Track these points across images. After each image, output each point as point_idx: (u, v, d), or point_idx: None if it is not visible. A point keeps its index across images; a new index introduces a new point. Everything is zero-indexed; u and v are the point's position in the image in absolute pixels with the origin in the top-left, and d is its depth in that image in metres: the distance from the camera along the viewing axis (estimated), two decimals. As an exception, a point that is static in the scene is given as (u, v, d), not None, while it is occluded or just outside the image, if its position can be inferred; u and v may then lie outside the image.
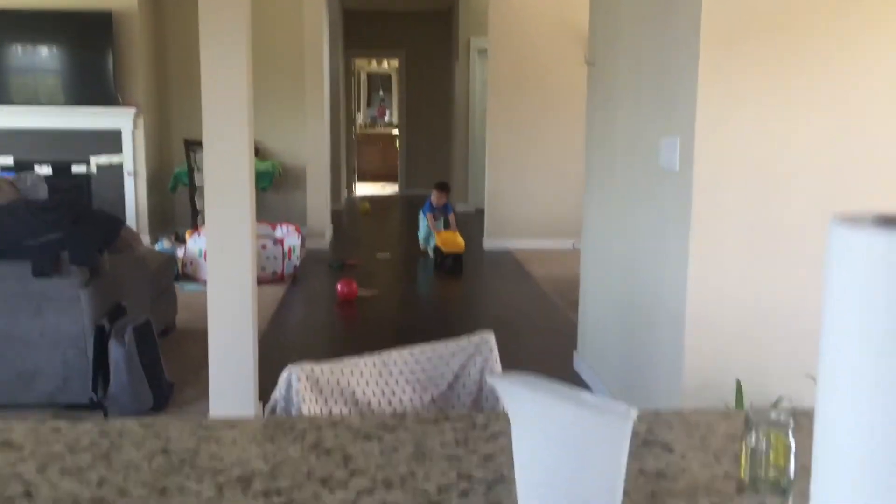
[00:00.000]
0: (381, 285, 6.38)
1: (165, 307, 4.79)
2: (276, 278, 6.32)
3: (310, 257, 7.42)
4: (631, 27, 3.51)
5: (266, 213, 8.01)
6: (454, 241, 7.03)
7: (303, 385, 1.34)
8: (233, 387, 3.47)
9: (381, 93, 16.55)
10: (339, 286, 5.84)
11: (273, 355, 4.42)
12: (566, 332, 4.91)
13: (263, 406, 3.57)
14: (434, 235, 7.24)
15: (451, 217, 7.53)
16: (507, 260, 7.53)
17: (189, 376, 4.10)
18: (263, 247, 6.21)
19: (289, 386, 1.34)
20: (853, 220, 0.47)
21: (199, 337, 4.55)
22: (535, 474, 0.88)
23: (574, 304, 5.11)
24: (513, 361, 4.34)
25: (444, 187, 7.51)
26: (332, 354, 5.12)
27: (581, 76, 4.52)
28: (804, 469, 1.00)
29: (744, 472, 0.97)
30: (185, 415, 3.66)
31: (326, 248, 7.97)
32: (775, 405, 2.77)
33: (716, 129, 2.74)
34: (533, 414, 0.86)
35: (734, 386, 2.83)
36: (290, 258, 6.44)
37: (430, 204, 7.43)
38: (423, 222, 7.50)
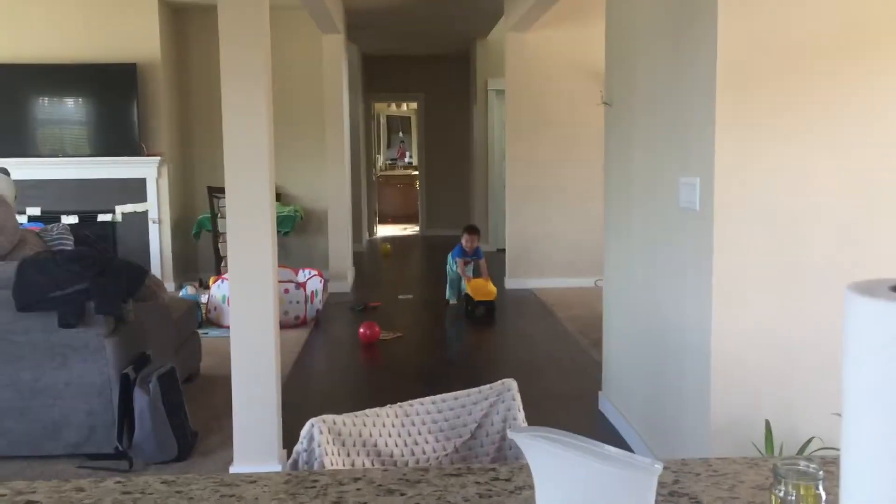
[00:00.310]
0: (404, 327, 6.38)
1: (190, 354, 4.81)
2: (298, 322, 6.33)
3: (332, 300, 7.44)
4: (647, 67, 3.53)
5: (288, 257, 8.07)
6: (486, 289, 6.77)
7: (325, 437, 1.33)
8: (256, 434, 3.46)
9: (400, 134, 16.72)
10: (361, 329, 5.84)
11: (297, 401, 4.41)
12: (591, 372, 4.87)
13: (287, 454, 3.56)
14: (464, 282, 6.94)
15: (483, 263, 7.07)
16: (530, 299, 7.51)
17: (213, 424, 4.10)
18: (286, 291, 6.24)
19: (311, 439, 1.33)
20: (869, 289, 0.47)
21: (223, 383, 4.56)
22: (559, 531, 0.86)
23: (598, 343, 5.07)
24: (537, 403, 4.30)
25: (474, 230, 7.12)
26: (356, 398, 5.12)
27: (598, 115, 4.55)
28: (836, 520, 0.98)
29: (773, 525, 0.95)
30: (209, 463, 3.65)
31: (349, 291, 7.99)
32: (805, 448, 2.72)
33: (735, 170, 2.73)
34: (555, 469, 0.85)
35: (763, 426, 2.79)
36: (312, 302, 6.46)
37: (461, 248, 7.06)
38: (452, 267, 7.12)
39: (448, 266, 7.12)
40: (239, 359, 3.45)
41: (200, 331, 5.50)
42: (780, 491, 0.94)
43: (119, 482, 1.12)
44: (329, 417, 1.36)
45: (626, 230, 3.89)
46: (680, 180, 3.07)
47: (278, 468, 3.43)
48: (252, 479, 1.12)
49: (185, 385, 4.35)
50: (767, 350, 2.80)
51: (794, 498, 0.94)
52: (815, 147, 2.72)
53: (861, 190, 2.74)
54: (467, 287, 6.81)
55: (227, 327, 5.81)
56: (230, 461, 3.48)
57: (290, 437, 3.64)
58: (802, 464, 0.97)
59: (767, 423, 2.78)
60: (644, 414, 3.63)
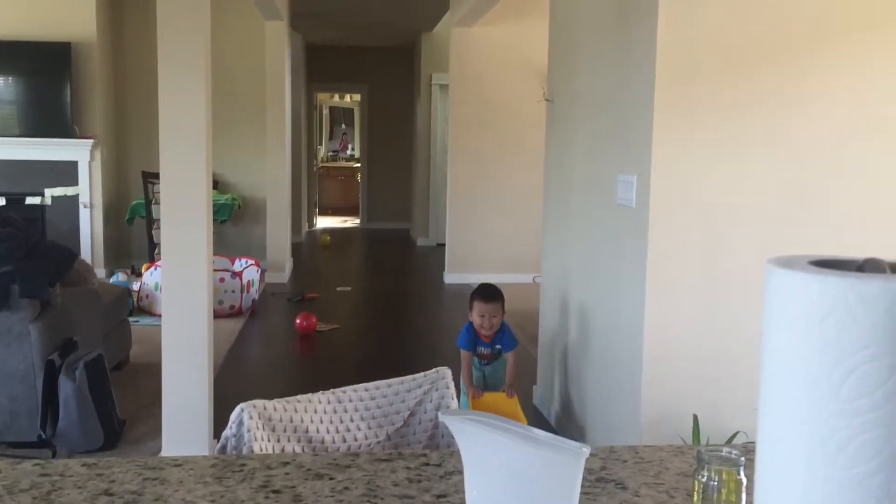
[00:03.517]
0: (341, 319, 6.33)
1: (119, 341, 4.70)
2: (234, 312, 6.23)
3: (269, 290, 7.34)
4: (589, 65, 3.57)
5: (225, 246, 7.92)
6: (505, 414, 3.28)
7: (254, 423, 1.31)
8: (186, 424, 3.40)
9: (343, 126, 16.58)
10: (297, 320, 5.78)
11: (229, 391, 4.34)
12: (526, 366, 4.91)
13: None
14: (466, 397, 3.61)
15: (511, 360, 3.70)
16: (468, 294, 7.52)
17: (142, 412, 4.01)
18: (221, 280, 6.14)
19: (240, 423, 1.31)
20: (789, 263, 0.48)
21: (153, 372, 4.46)
22: (487, 513, 0.87)
23: (533, 338, 5.11)
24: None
25: (492, 296, 3.75)
26: (290, 389, 5.05)
27: (541, 113, 4.58)
28: (756, 505, 1.00)
29: (696, 510, 0.97)
30: (136, 452, 3.57)
31: (286, 282, 7.90)
32: (730, 441, 2.79)
33: (672, 168, 2.78)
34: (485, 452, 0.86)
35: (691, 420, 2.85)
36: (248, 292, 6.37)
37: (470, 330, 3.73)
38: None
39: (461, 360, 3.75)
40: (170, 348, 3.38)
41: (131, 319, 5.37)
42: (702, 476, 0.96)
43: (38, 464, 1.08)
44: (259, 402, 1.34)
45: (565, 226, 3.93)
46: (618, 177, 3.11)
47: (208, 458, 3.38)
48: (177, 463, 1.10)
49: (114, 373, 4.25)
50: (698, 345, 2.87)
51: (716, 483, 0.96)
52: (750, 146, 2.79)
53: (794, 189, 2.82)
54: (471, 406, 3.56)
55: (160, 315, 5.68)
56: (158, 451, 3.41)
57: (220, 428, 3.58)
58: (725, 450, 0.99)
59: (695, 417, 2.84)
60: (577, 408, 3.67)
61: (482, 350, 3.73)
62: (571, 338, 3.77)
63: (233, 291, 6.23)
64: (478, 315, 3.70)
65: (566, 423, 3.78)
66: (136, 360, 4.90)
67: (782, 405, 0.46)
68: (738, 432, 2.84)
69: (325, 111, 15.85)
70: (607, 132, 3.28)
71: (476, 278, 7.98)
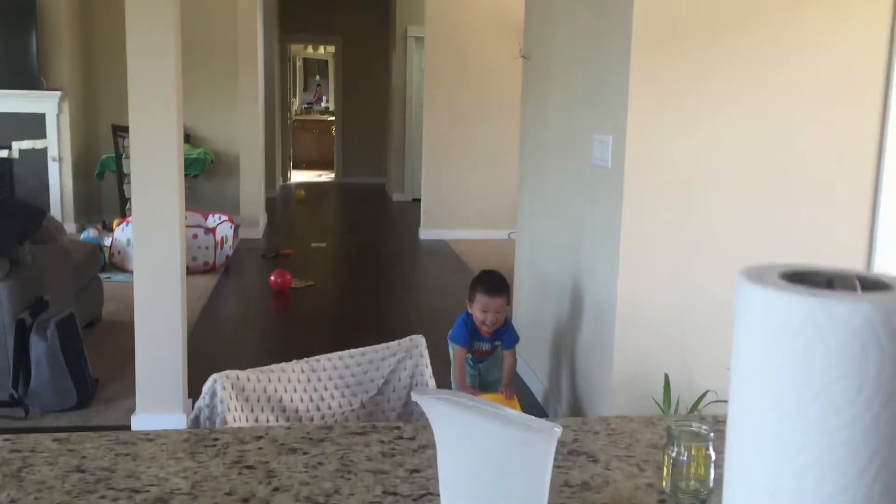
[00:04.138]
0: (316, 276, 6.32)
1: (91, 299, 4.65)
2: (207, 269, 6.19)
3: (243, 247, 7.30)
4: (565, 23, 3.53)
5: (197, 201, 7.84)
6: None
7: (228, 393, 1.31)
8: (160, 382, 3.39)
9: (317, 78, 16.35)
10: (272, 277, 5.76)
11: (203, 349, 4.34)
12: (500, 324, 4.94)
13: (193, 403, 3.50)
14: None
15: (510, 359, 3.34)
16: (443, 250, 7.54)
17: (115, 371, 3.99)
18: (194, 236, 6.08)
19: (213, 394, 1.31)
20: (760, 275, 0.47)
21: (126, 329, 4.42)
22: (458, 491, 0.87)
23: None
24: (447, 355, 4.35)
25: (497, 287, 3.26)
26: (265, 347, 5.05)
27: (518, 69, 4.54)
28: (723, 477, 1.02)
29: (665, 483, 0.98)
30: (110, 412, 3.56)
31: (260, 238, 7.85)
32: (700, 401, 2.84)
33: (647, 128, 2.78)
34: (457, 431, 0.86)
35: (662, 380, 2.89)
36: (222, 248, 6.32)
37: (467, 322, 3.28)
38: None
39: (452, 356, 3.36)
40: (143, 305, 3.35)
41: (103, 275, 5.32)
42: (672, 451, 0.98)
43: (7, 440, 1.08)
44: (233, 373, 1.33)
45: (540, 184, 3.93)
46: (594, 137, 3.10)
47: (182, 418, 3.38)
48: (150, 437, 1.10)
49: (86, 331, 4.22)
50: (670, 306, 2.90)
51: (685, 458, 0.98)
52: (726, 108, 2.79)
53: (768, 151, 2.83)
54: None
55: (132, 272, 5.64)
56: (132, 410, 3.41)
57: (195, 386, 3.58)
58: (695, 425, 1.01)
59: (666, 377, 2.88)
60: (550, 366, 3.71)
61: (480, 346, 3.28)
62: (546, 297, 3.79)
63: (206, 248, 6.18)
64: (480, 310, 3.20)
65: (539, 383, 3.82)
66: (108, 318, 4.86)
67: (751, 420, 0.46)
68: (707, 391, 2.89)
69: (300, 63, 15.60)
70: (583, 91, 3.26)
71: (452, 235, 8.00)
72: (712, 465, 0.97)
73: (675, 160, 2.81)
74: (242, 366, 4.40)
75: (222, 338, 4.79)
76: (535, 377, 3.89)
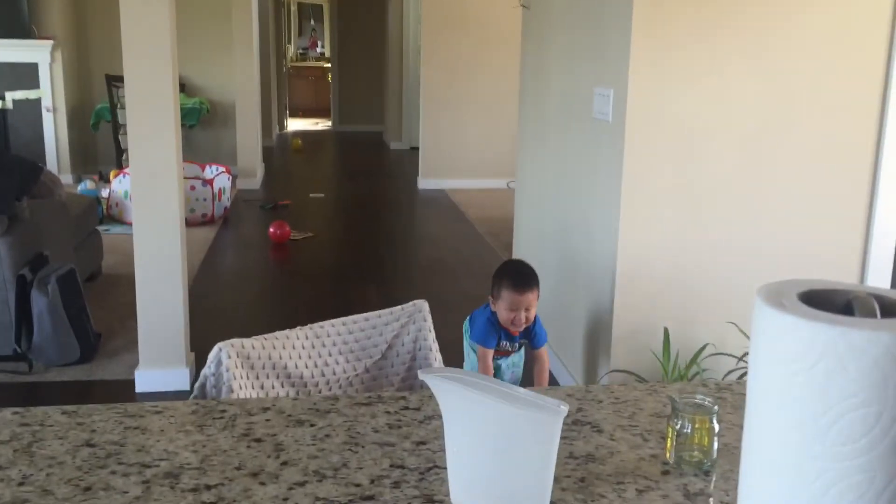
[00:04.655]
0: (315, 227, 6.31)
1: (90, 253, 4.66)
2: (205, 220, 6.18)
3: (240, 198, 7.28)
4: (566, -28, 3.46)
5: (194, 152, 7.79)
6: None
7: (233, 361, 1.31)
8: (163, 336, 3.41)
9: (312, 22, 16.10)
10: (271, 228, 5.75)
11: (204, 302, 4.35)
12: (500, 275, 4.95)
13: (196, 357, 3.53)
14: None
15: (543, 357, 2.97)
16: (442, 200, 7.52)
17: (117, 325, 4.02)
18: (192, 188, 6.06)
19: (219, 363, 1.32)
20: (779, 297, 0.47)
21: (127, 282, 4.43)
22: (466, 468, 0.88)
23: (507, 246, 5.14)
24: (449, 305, 4.37)
25: (526, 281, 2.85)
26: (266, 300, 5.06)
27: (517, 17, 4.47)
28: (726, 448, 1.03)
29: (669, 455, 1.00)
30: (113, 366, 3.59)
31: (258, 188, 7.82)
32: (699, 354, 2.87)
33: (649, 82, 2.74)
34: (465, 410, 0.87)
35: (662, 333, 2.91)
36: (220, 199, 6.31)
37: (492, 320, 2.85)
38: (472, 359, 2.96)
39: (465, 354, 3.03)
40: (143, 259, 3.35)
41: (102, 227, 5.32)
42: (676, 423, 0.99)
43: (17, 412, 1.08)
44: (238, 341, 1.34)
45: (540, 137, 3.90)
46: (595, 90, 3.06)
47: (185, 372, 3.41)
48: (157, 410, 1.11)
49: (87, 285, 4.23)
50: (669, 260, 2.90)
51: (689, 430, 0.99)
52: (728, 62, 2.75)
53: (771, 104, 2.80)
54: None
55: (131, 224, 5.62)
56: (136, 364, 3.43)
57: (197, 340, 3.61)
58: (699, 396, 1.01)
59: (666, 331, 2.90)
60: (551, 319, 3.73)
61: (505, 346, 2.88)
62: (547, 250, 3.79)
63: (204, 199, 6.16)
64: (507, 309, 2.74)
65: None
66: (108, 271, 4.87)
67: (769, 443, 0.46)
68: (706, 345, 2.92)
69: (294, 7, 15.35)
70: (584, 44, 3.21)
71: (450, 184, 7.97)
72: (716, 436, 0.98)
73: (676, 114, 2.78)
74: (244, 319, 4.42)
75: (223, 291, 4.80)
76: (535, 329, 3.92)
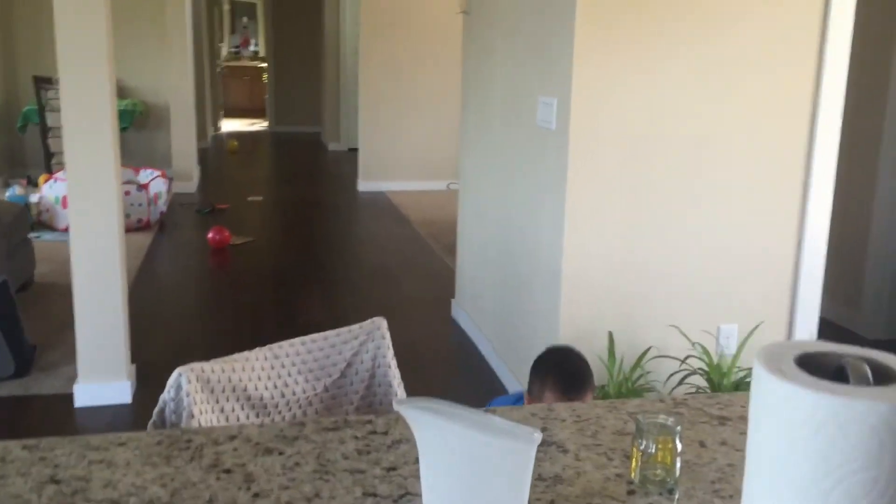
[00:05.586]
0: (255, 231, 6.24)
1: (22, 261, 4.52)
2: (141, 226, 6.06)
3: (176, 202, 7.14)
4: (508, -20, 3.49)
5: (127, 156, 7.58)
6: None
7: (193, 386, 1.30)
8: (102, 347, 3.33)
9: (245, 20, 15.87)
10: (210, 233, 5.67)
11: (144, 310, 4.27)
12: (443, 278, 4.98)
13: (137, 369, 3.46)
14: None
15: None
16: (383, 202, 7.51)
17: (52, 336, 3.91)
18: (127, 193, 5.92)
19: (178, 388, 1.30)
20: (778, 363, 0.50)
21: (61, 291, 4.32)
22: (441, 497, 0.90)
23: (449, 248, 5.17)
24: (392, 310, 4.37)
25: (582, 384, 2.18)
26: (206, 308, 4.98)
27: (457, 17, 4.49)
28: (686, 465, 1.07)
29: (634, 474, 1.03)
30: (51, 380, 3.49)
31: (194, 192, 7.69)
32: (643, 357, 2.93)
33: (592, 91, 2.80)
34: (439, 439, 0.88)
35: (607, 337, 2.97)
36: (156, 204, 6.18)
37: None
38: None
39: None
40: (81, 267, 3.27)
41: (32, 234, 5.16)
42: (641, 444, 1.02)
43: (-28, 448, 1.05)
44: (197, 365, 1.32)
45: (484, 142, 3.93)
46: (539, 99, 3.11)
47: (126, 385, 3.34)
48: (121, 441, 1.09)
49: (20, 295, 4.10)
50: (615, 265, 2.96)
51: (653, 450, 1.02)
52: (668, 72, 2.82)
53: (708, 114, 2.88)
54: None
55: (63, 230, 5.46)
56: (74, 377, 3.35)
57: (138, 351, 3.53)
58: (661, 416, 1.05)
59: (610, 335, 2.96)
60: (496, 323, 3.77)
61: None
62: (491, 255, 3.83)
63: (139, 204, 6.03)
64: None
65: (485, 340, 3.88)
66: (41, 280, 4.73)
67: None
68: (650, 347, 2.99)
69: (227, 6, 15.11)
70: (528, 52, 3.25)
71: (390, 186, 7.96)
72: (678, 455, 1.02)
73: (618, 123, 2.84)
74: (185, 328, 4.35)
75: (163, 299, 4.71)
76: (480, 332, 3.95)
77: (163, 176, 6.43)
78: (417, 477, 0.98)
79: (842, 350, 0.52)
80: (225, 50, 14.76)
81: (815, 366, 0.50)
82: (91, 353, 3.32)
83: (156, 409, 1.32)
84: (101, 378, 3.33)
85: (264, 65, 13.50)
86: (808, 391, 0.47)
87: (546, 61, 3.04)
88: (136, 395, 3.37)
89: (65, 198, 5.11)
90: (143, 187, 6.08)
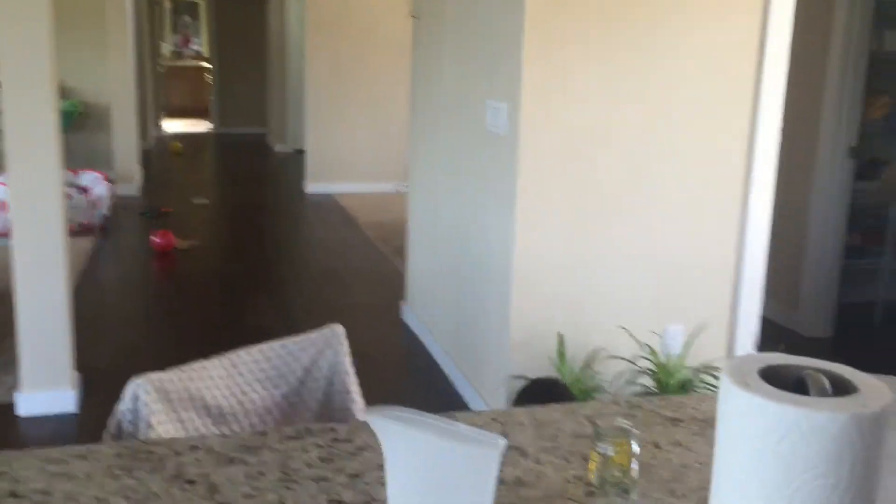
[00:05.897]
0: (200, 234, 6.16)
1: (-42, 268, 4.38)
2: (83, 230, 5.92)
3: (119, 205, 7.00)
4: (457, -15, 3.52)
5: (67, 157, 7.41)
6: None
7: (151, 397, 1.29)
8: (45, 354, 3.26)
9: (186, 18, 15.62)
10: (154, 237, 5.57)
11: (88, 316, 4.18)
12: (393, 281, 4.98)
13: (82, 377, 3.39)
14: None
15: None
16: (330, 204, 7.48)
17: (-8, 345, 3.80)
18: (68, 196, 5.77)
19: (135, 398, 1.29)
20: (743, 376, 0.53)
21: (1, 297, 4.21)
22: (407, 503, 0.91)
23: (398, 251, 5.18)
24: (342, 313, 4.36)
25: None
26: (152, 314, 4.89)
27: (404, 22, 4.50)
28: (642, 465, 1.10)
29: (593, 476, 1.05)
30: (-9, 389, 3.40)
31: (137, 195, 7.54)
32: (592, 357, 2.99)
33: (541, 96, 2.84)
34: (407, 448, 0.89)
35: (556, 338, 3.02)
36: (98, 207, 6.05)
37: None
38: None
39: None
40: (23, 272, 3.20)
41: (-31, 240, 5.01)
42: (599, 448, 1.05)
43: (-75, 465, 1.03)
44: (154, 376, 1.31)
45: (433, 145, 3.95)
46: (487, 103, 3.14)
47: (71, 394, 3.27)
48: (81, 454, 1.08)
49: (-44, 303, 3.98)
50: (564, 269, 3.01)
51: (611, 453, 1.05)
52: (617, 77, 2.88)
53: (653, 120, 2.95)
54: None
55: (2, 236, 5.31)
56: (14, 386, 3.27)
57: (82, 358, 3.46)
58: (618, 419, 1.08)
59: (560, 337, 3.01)
60: (447, 326, 3.79)
61: None
62: (442, 258, 3.85)
63: (81, 208, 5.89)
64: None
65: (436, 343, 3.90)
66: (-22, 286, 4.59)
67: None
68: (599, 349, 3.04)
69: (168, 4, 14.85)
70: (477, 57, 3.28)
71: (338, 188, 7.93)
72: (635, 458, 1.05)
73: (567, 128, 2.89)
74: (130, 335, 4.27)
75: (107, 305, 4.62)
76: (430, 335, 3.97)
77: (105, 178, 6.30)
78: (382, 483, 1.00)
79: (802, 363, 0.56)
80: (167, 49, 14.51)
81: (777, 378, 0.54)
82: (34, 361, 3.24)
83: (111, 421, 1.31)
84: (44, 386, 3.26)
85: (207, 65, 13.31)
86: (773, 403, 0.50)
87: (495, 66, 3.07)
88: (81, 404, 3.30)
89: (5, 201, 4.97)
90: (84, 190, 5.95)
